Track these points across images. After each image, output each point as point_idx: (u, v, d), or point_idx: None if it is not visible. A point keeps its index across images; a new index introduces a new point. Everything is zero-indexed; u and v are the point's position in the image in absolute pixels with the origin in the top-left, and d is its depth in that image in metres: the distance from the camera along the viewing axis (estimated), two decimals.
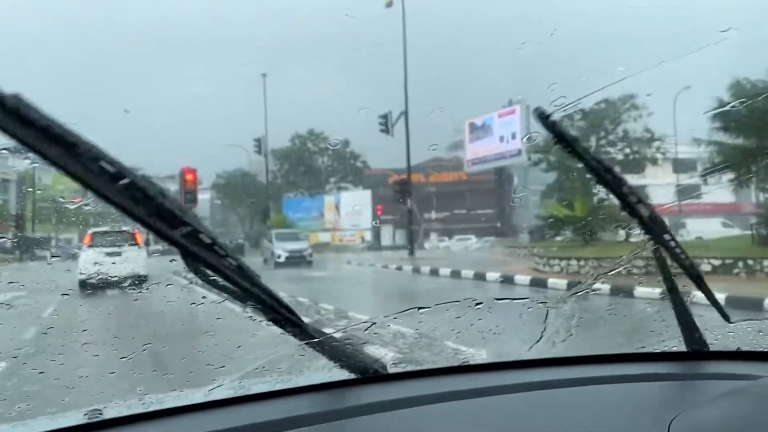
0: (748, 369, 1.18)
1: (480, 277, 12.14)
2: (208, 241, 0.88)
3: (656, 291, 8.53)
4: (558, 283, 10.25)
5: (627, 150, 31.34)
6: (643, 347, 1.48)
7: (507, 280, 11.30)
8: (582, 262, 10.96)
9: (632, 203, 1.17)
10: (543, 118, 1.09)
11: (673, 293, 1.30)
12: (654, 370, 1.23)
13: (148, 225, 0.81)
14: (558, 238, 17.75)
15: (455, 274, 13.27)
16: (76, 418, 0.97)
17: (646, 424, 0.92)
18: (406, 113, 20.63)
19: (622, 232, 15.20)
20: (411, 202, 21.54)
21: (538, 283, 10.64)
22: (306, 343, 1.08)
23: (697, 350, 1.32)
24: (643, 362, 1.32)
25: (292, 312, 1.02)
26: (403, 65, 21.10)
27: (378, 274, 15.81)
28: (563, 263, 11.38)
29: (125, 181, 0.78)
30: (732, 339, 1.45)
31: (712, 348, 1.34)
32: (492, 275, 11.88)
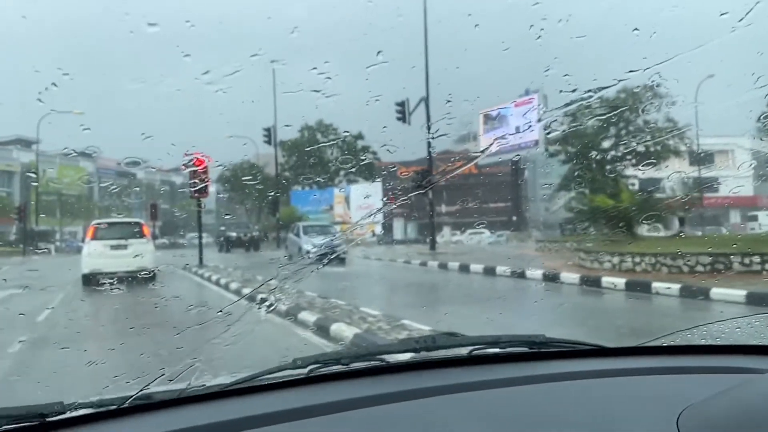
0: (758, 363, 1.16)
1: (518, 274, 11.09)
2: None
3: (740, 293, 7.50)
4: (615, 282, 9.18)
5: (649, 140, 30.29)
6: (653, 340, 1.43)
7: (552, 279, 10.25)
8: (638, 259, 9.88)
9: None
10: None
11: None
12: (663, 363, 1.22)
13: None
14: (587, 232, 16.68)
15: (489, 272, 12.21)
16: (82, 409, 0.96)
17: (655, 417, 0.91)
18: (426, 100, 19.53)
19: (667, 226, 14.20)
20: (432, 193, 20.45)
21: (591, 282, 9.57)
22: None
23: (707, 344, 1.36)
24: (653, 355, 1.30)
25: None
26: (424, 52, 20.01)
27: (405, 271, 14.75)
28: (615, 259, 10.30)
29: None
30: (740, 333, 1.42)
31: (721, 342, 1.35)
32: (532, 273, 10.83)
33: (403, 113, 22.73)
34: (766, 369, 1.10)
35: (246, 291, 9.13)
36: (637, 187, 23.19)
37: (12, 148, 47.42)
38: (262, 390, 1.06)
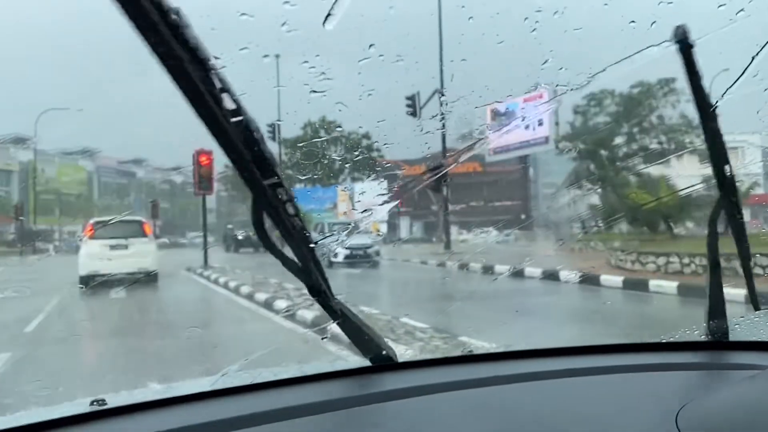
0: (758, 359, 1.14)
1: (551, 276, 10.25)
2: (286, 197, 0.90)
3: None
4: (664, 285, 8.34)
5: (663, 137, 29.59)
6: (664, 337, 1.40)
7: (590, 281, 9.41)
8: (686, 260, 9.04)
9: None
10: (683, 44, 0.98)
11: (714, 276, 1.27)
12: (668, 359, 1.21)
13: (247, 168, 0.82)
14: (613, 230, 15.88)
15: (517, 274, 11.36)
16: (81, 407, 0.95)
17: (654, 413, 0.90)
18: (441, 93, 18.66)
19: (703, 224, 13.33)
20: (447, 191, 19.62)
21: (636, 285, 8.73)
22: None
23: (715, 340, 1.31)
24: (658, 352, 1.30)
25: (329, 288, 1.02)
26: (438, 44, 19.16)
27: (424, 272, 13.93)
28: (659, 260, 9.46)
29: (239, 118, 0.79)
30: (739, 329, 1.37)
31: (731, 338, 1.30)
32: (567, 275, 9.99)
33: (413, 107, 21.86)
34: (766, 365, 1.08)
35: (259, 295, 8.30)
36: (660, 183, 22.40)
37: (10, 147, 46.84)
38: (250, 390, 1.03)
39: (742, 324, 1.43)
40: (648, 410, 0.92)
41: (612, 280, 9.22)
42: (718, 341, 1.30)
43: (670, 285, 8.26)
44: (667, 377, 1.10)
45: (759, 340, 1.31)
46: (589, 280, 9.46)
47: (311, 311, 5.93)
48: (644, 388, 1.04)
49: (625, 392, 1.04)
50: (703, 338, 1.34)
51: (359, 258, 13.71)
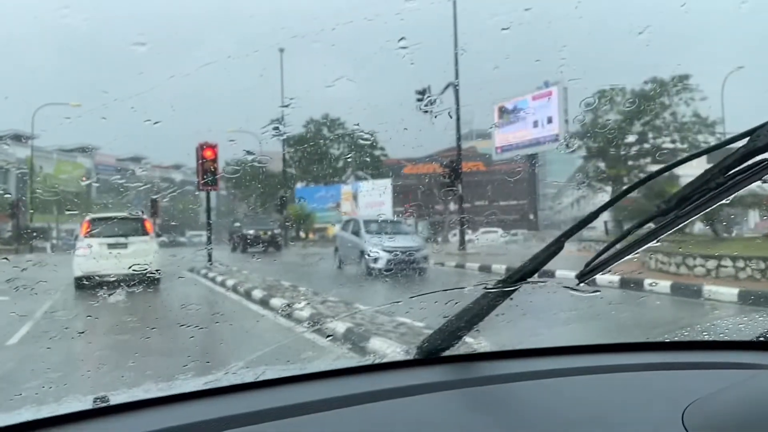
0: (763, 358, 1.15)
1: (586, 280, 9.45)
2: None
3: None
4: (722, 291, 7.54)
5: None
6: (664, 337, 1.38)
7: (634, 286, 8.61)
8: (741, 263, 8.23)
9: None
10: None
11: None
12: (669, 359, 1.22)
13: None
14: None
15: (546, 275, 10.58)
16: (84, 404, 0.96)
17: (660, 412, 0.91)
18: (456, 86, 17.85)
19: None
20: (461, 187, 18.81)
21: (687, 291, 7.93)
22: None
23: (711, 339, 1.37)
24: (659, 351, 1.31)
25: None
26: (453, 34, 18.38)
27: (445, 275, 13.11)
28: (709, 264, 8.67)
29: None
30: (744, 329, 1.39)
31: (727, 338, 1.37)
32: (605, 278, 9.20)
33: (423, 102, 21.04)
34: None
35: (273, 300, 7.50)
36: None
37: (8, 144, 46.24)
38: (252, 388, 1.03)
39: (747, 324, 1.40)
40: (654, 409, 0.92)
41: (657, 284, 8.42)
42: (722, 341, 1.32)
43: (729, 292, 7.44)
44: (673, 376, 1.10)
45: (763, 339, 1.26)
46: (631, 284, 8.66)
47: (343, 323, 5.18)
48: (651, 386, 1.03)
49: (631, 391, 1.03)
50: (706, 337, 1.40)
51: (404, 264, 11.51)
